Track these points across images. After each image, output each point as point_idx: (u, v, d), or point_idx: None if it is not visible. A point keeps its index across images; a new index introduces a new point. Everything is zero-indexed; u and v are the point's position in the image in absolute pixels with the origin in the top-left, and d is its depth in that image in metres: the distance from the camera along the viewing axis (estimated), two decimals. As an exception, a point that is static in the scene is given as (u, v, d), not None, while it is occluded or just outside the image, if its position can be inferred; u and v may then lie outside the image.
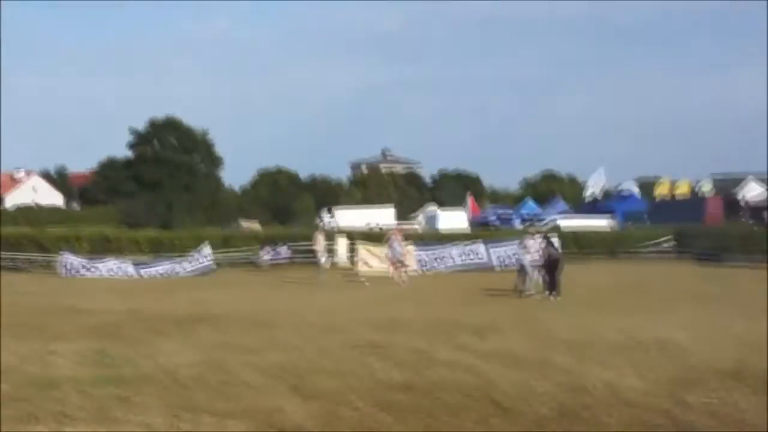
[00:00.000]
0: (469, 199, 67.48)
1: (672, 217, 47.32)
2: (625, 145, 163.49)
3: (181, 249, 38.88)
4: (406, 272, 31.36)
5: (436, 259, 36.56)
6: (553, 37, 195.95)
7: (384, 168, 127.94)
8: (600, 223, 50.62)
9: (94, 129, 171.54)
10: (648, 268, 35.41)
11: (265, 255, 39.33)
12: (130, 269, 36.25)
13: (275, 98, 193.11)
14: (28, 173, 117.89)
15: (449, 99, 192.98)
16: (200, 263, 37.15)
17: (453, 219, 54.81)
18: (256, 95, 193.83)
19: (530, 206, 71.51)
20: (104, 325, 17.69)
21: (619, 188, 69.78)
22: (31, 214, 78.23)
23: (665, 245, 42.39)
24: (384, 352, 13.38)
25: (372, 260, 35.04)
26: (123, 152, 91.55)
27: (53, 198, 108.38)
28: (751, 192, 63.64)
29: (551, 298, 23.40)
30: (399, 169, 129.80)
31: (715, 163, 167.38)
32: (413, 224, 57.30)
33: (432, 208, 66.26)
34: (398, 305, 22.19)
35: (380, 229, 45.30)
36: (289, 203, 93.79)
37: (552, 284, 23.91)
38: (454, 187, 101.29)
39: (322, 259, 33.24)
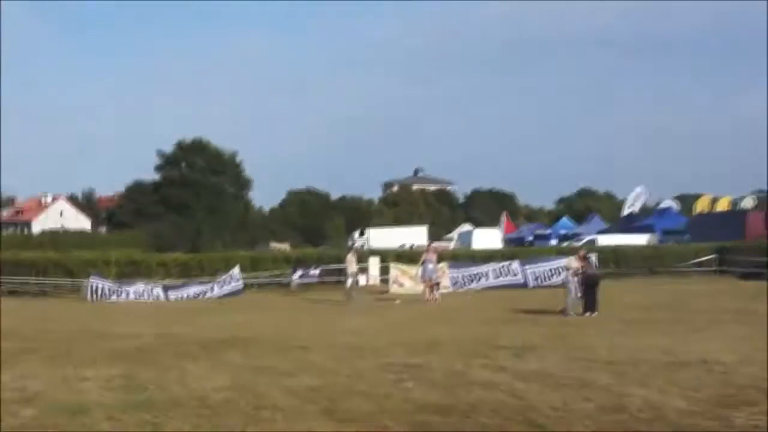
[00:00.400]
0: (504, 218, 67.40)
1: (712, 233, 46.85)
2: (664, 161, 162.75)
3: (210, 272, 39.04)
4: (439, 291, 31.29)
5: (469, 277, 36.45)
6: (591, 50, 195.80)
7: (416, 187, 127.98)
8: (639, 240, 50.34)
9: (122, 152, 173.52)
10: (689, 286, 35.08)
11: (297, 277, 39.38)
12: (159, 292, 36.44)
13: (305, 117, 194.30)
14: (55, 198, 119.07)
15: (483, 116, 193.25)
16: (230, 286, 37.25)
17: (487, 238, 54.81)
18: (286, 115, 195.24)
19: (567, 224, 71.37)
20: (133, 349, 17.77)
21: (659, 205, 69.46)
22: (57, 238, 78.95)
23: (707, 261, 42.01)
24: (419, 374, 13.32)
25: (405, 280, 35.03)
26: (151, 175, 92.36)
27: (80, 222, 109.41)
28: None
29: (588, 314, 23.30)
30: (432, 188, 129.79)
31: (757, 180, 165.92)
32: (448, 244, 57.28)
33: (466, 227, 66.26)
34: (432, 325, 22.11)
35: (411, 248, 45.23)
36: (319, 224, 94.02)
37: (590, 303, 23.80)
38: (487, 206, 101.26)
39: (360, 280, 33.26)
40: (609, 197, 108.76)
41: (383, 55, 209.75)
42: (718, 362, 13.93)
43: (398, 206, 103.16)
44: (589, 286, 24.17)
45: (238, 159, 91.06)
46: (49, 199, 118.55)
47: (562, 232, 66.86)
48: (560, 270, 34.89)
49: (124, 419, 10.25)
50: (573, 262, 25.49)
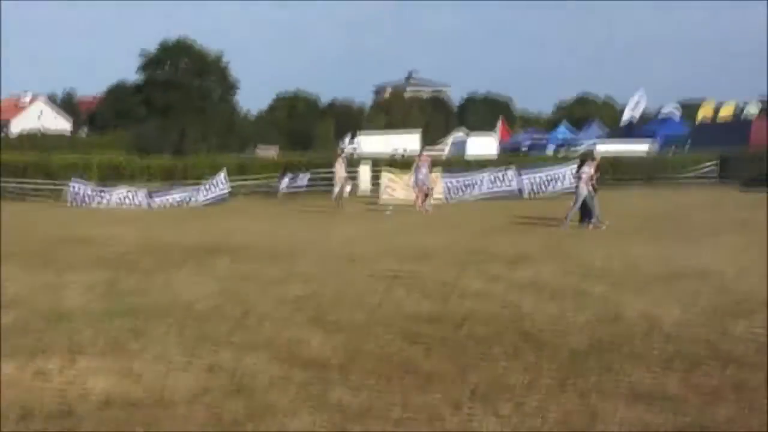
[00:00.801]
0: (500, 124, 67.09)
1: (715, 142, 46.84)
2: (666, 65, 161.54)
3: (195, 177, 39.01)
4: (430, 203, 31.30)
5: (463, 186, 36.37)
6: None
7: (410, 92, 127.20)
8: (639, 147, 50.28)
9: (103, 52, 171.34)
10: (689, 195, 35.19)
11: (285, 183, 39.31)
12: (142, 198, 36.38)
13: (294, 19, 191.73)
14: (34, 98, 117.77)
15: (479, 17, 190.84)
16: (216, 191, 37.16)
17: (482, 145, 54.58)
18: (275, 17, 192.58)
19: (564, 131, 71.08)
20: (116, 255, 17.81)
21: (660, 111, 69.10)
22: (36, 140, 78.39)
23: (708, 171, 42.09)
24: (410, 284, 13.37)
25: (396, 188, 34.96)
26: (133, 76, 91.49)
27: (60, 124, 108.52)
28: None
29: (590, 226, 23.19)
30: (425, 93, 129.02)
31: (763, 85, 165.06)
32: (440, 151, 57.13)
33: (460, 133, 65.99)
34: (424, 235, 22.18)
35: (403, 156, 45.10)
36: (308, 129, 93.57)
37: (589, 212, 23.69)
38: (483, 112, 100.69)
39: (347, 188, 33.22)
40: (608, 104, 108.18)
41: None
42: (717, 273, 14.02)
43: (390, 114, 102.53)
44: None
45: (224, 61, 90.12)
46: (27, 100, 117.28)
47: (561, 137, 66.73)
48: (558, 178, 34.94)
49: (108, 326, 10.29)
50: (586, 167, 24.45)
